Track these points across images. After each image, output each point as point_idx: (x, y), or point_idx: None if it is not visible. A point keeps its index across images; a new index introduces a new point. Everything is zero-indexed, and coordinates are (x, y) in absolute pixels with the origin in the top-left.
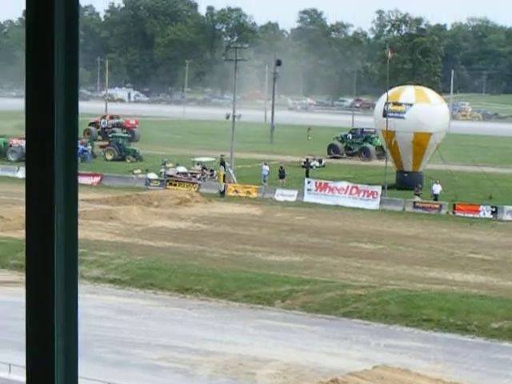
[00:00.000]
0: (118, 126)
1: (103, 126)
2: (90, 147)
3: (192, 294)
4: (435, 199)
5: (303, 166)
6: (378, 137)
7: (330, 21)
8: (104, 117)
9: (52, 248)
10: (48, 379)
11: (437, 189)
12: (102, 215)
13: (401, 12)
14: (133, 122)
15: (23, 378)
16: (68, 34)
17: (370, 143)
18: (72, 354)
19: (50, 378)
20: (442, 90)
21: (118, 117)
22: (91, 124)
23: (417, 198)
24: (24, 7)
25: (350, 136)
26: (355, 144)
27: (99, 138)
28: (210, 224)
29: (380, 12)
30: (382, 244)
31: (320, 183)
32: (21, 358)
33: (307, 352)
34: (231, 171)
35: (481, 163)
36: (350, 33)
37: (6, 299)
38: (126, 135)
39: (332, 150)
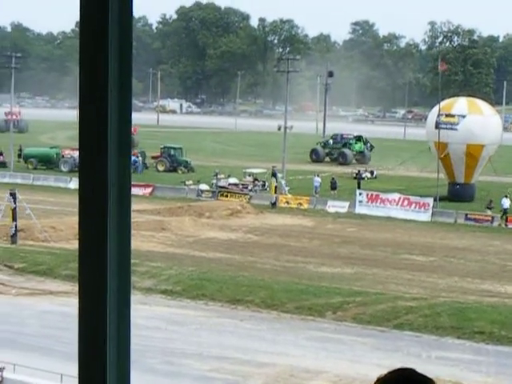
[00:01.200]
0: None
1: None
2: (141, 158)
3: (243, 305)
4: (504, 213)
5: (355, 178)
6: (356, 142)
7: (382, 32)
8: None
9: (105, 259)
10: None
11: (506, 203)
12: (153, 226)
13: (453, 23)
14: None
15: None
16: (122, 45)
17: (349, 149)
18: (124, 364)
19: None
20: (494, 102)
21: None
22: None
23: (488, 212)
24: (78, 18)
25: (331, 141)
26: (335, 149)
27: None
28: (261, 235)
29: (432, 23)
30: (434, 256)
31: (371, 195)
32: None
33: (358, 364)
34: (283, 182)
35: None
36: (402, 44)
37: (58, 309)
38: (178, 146)
39: (314, 155)
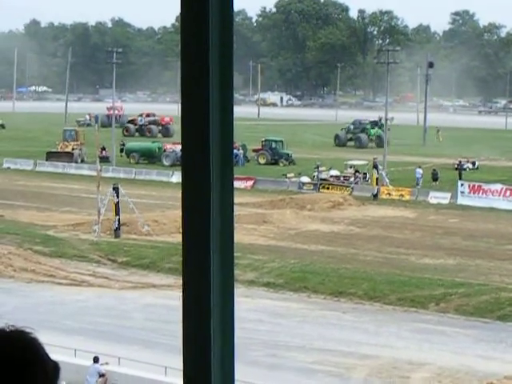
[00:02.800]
0: (154, 123)
1: (140, 123)
2: (242, 151)
3: (346, 298)
4: None
5: (456, 169)
6: (373, 127)
7: (483, 22)
8: (141, 115)
9: (208, 252)
10: (204, 382)
11: None
12: (255, 219)
13: None
14: (167, 119)
15: (179, 381)
16: (223, 39)
17: (365, 133)
18: (228, 357)
19: (207, 381)
20: None
21: (154, 114)
22: (129, 122)
23: None
24: (177, 13)
25: (352, 127)
26: (354, 134)
27: (137, 134)
28: (363, 227)
29: None
30: None
31: (473, 185)
32: (176, 361)
33: (461, 356)
34: (384, 174)
35: None
36: (503, 34)
37: (161, 302)
38: (279, 139)
39: (337, 139)
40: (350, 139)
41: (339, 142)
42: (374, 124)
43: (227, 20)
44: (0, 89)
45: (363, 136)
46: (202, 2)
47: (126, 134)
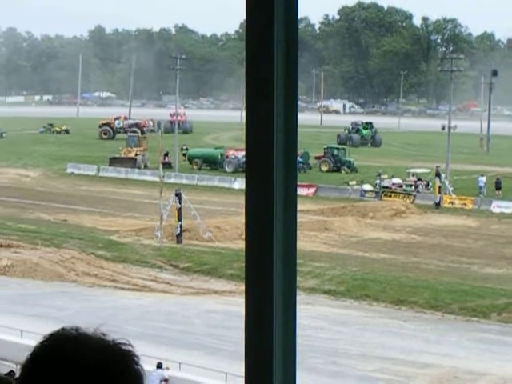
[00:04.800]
0: (136, 126)
1: (117, 126)
2: (302, 159)
3: (407, 306)
4: None
5: None
6: (364, 128)
7: None
8: (118, 118)
9: (271, 258)
10: None
11: None
12: (317, 226)
13: None
14: (150, 123)
15: None
16: (287, 46)
17: (358, 133)
18: (290, 364)
19: None
20: None
21: (134, 119)
22: (105, 124)
23: None
24: (241, 20)
25: (350, 127)
26: (350, 133)
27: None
28: (424, 235)
29: None
30: None
31: None
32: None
33: None
34: (447, 182)
35: None
36: None
37: (222, 308)
38: (341, 146)
39: (339, 139)
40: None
41: (340, 141)
42: (367, 125)
43: (292, 27)
44: (64, 94)
45: (355, 136)
46: (267, 9)
47: (104, 137)
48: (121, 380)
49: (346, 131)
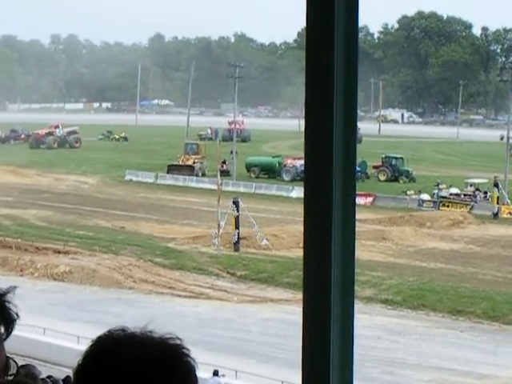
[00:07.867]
0: (74, 132)
1: (58, 134)
2: (359, 168)
3: (464, 316)
4: None
5: None
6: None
7: None
8: (57, 126)
9: (329, 267)
10: None
11: None
12: (374, 235)
13: None
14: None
15: None
16: (347, 55)
17: None
18: (347, 373)
19: None
20: None
21: (72, 127)
22: (48, 134)
23: None
24: (299, 29)
25: None
26: None
27: (54, 146)
28: (482, 246)
29: None
30: None
31: None
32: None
33: None
34: (505, 193)
35: None
36: None
37: (279, 317)
38: (399, 156)
39: None
40: None
41: None
42: None
43: (352, 36)
44: (123, 101)
45: None
46: (327, 18)
47: (41, 146)
48: (173, 373)
49: None
